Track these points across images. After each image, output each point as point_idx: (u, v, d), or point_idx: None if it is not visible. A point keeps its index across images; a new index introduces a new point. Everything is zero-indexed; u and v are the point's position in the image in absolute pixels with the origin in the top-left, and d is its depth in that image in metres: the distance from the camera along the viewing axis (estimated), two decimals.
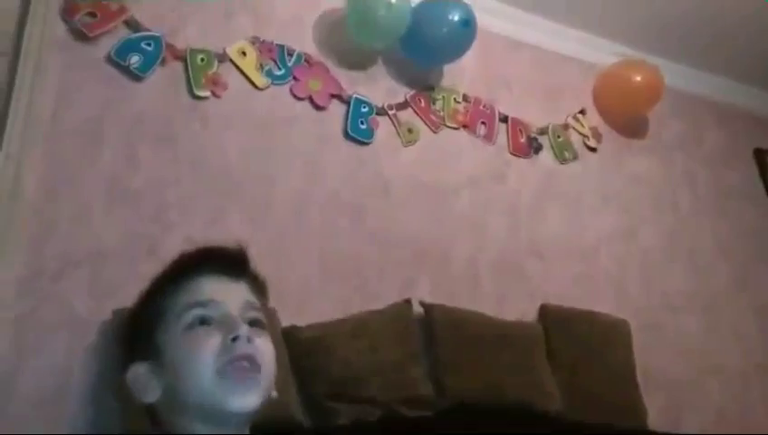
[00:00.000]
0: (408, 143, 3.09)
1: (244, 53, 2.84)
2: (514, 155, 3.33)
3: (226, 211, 2.67)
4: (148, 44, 2.65)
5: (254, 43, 2.87)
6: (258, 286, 1.02)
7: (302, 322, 2.50)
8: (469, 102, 3.27)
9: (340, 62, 3.04)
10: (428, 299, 2.85)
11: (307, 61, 2.96)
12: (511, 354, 2.78)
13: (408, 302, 2.77)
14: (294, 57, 2.93)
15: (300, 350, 2.43)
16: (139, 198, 2.54)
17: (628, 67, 3.57)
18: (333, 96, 2.98)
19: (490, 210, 3.22)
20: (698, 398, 3.42)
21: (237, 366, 0.89)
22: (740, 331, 3.69)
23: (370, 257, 2.88)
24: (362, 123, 2.99)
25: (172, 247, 1.11)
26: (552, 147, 3.44)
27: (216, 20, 2.88)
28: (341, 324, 2.58)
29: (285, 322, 2.45)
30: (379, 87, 3.11)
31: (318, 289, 2.73)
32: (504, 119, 3.34)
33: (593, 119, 3.62)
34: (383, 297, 2.77)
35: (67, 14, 2.57)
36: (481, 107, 3.30)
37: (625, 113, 3.66)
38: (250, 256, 1.01)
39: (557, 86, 3.57)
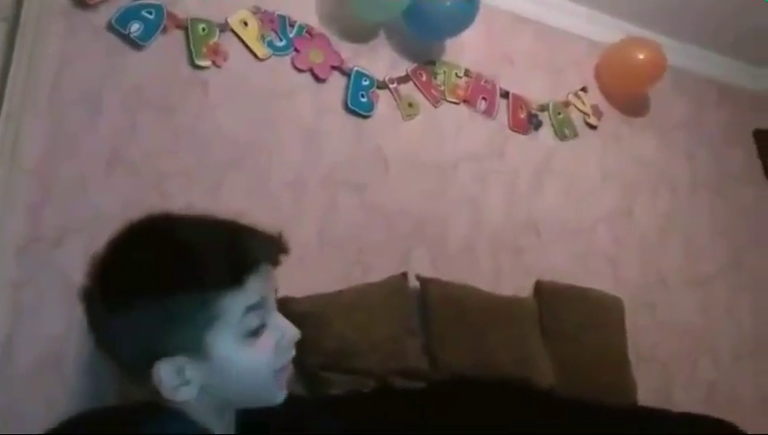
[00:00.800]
0: (408, 117, 3.09)
1: (245, 23, 2.82)
2: (514, 131, 3.33)
3: (225, 181, 2.68)
4: (149, 13, 2.63)
5: (255, 13, 2.85)
6: None
7: (298, 293, 2.51)
8: (470, 77, 3.26)
9: (342, 35, 3.02)
10: (425, 273, 2.87)
11: (308, 32, 2.94)
12: (505, 329, 2.80)
13: (404, 275, 2.79)
14: (296, 28, 2.91)
15: (294, 322, 2.44)
16: (139, 167, 2.55)
17: (631, 44, 3.54)
18: (334, 68, 2.96)
19: (488, 186, 3.22)
20: (690, 376, 3.47)
21: (287, 366, 0.97)
22: (733, 311, 3.73)
23: (368, 229, 2.90)
24: (363, 96, 2.98)
25: None
26: (552, 124, 3.44)
27: None
28: (337, 297, 2.60)
29: (281, 292, 2.46)
30: (381, 60, 3.09)
31: (315, 260, 2.74)
32: (505, 94, 3.33)
33: (594, 96, 3.60)
34: (380, 270, 2.79)
35: None
36: (482, 82, 3.28)
37: (626, 91, 3.64)
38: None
39: (559, 63, 3.55)
